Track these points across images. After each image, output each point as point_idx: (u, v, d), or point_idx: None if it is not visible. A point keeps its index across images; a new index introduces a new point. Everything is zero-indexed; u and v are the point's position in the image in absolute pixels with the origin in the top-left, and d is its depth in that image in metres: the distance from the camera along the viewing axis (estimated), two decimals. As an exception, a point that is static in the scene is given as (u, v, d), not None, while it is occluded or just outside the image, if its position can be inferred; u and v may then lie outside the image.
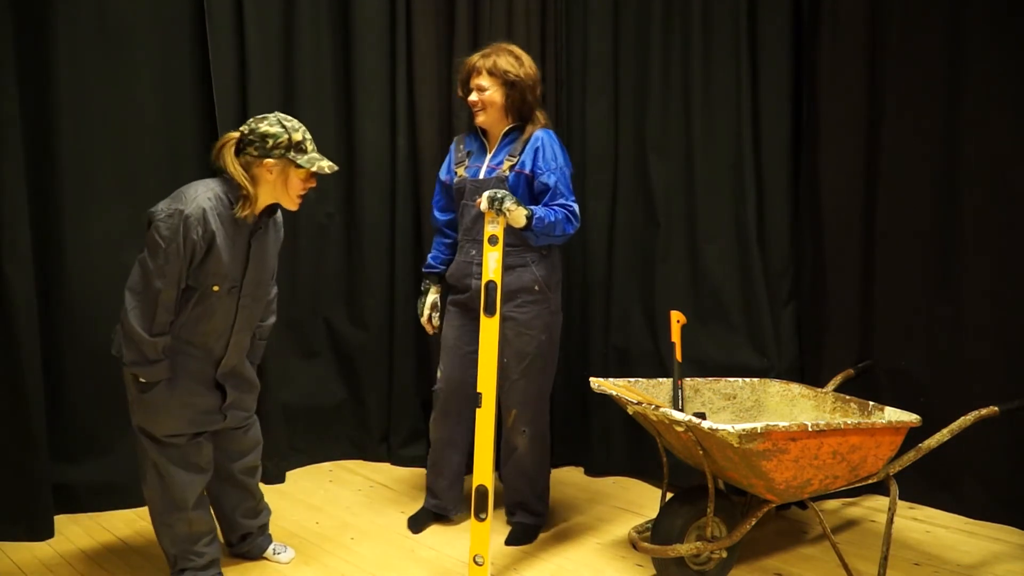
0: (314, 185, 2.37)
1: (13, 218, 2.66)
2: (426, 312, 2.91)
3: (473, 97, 2.70)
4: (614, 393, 2.55)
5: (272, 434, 3.40)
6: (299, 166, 2.27)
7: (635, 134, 3.40)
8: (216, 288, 2.26)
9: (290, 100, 3.38)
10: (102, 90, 2.91)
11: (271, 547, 2.70)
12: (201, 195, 2.20)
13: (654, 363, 3.36)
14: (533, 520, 2.89)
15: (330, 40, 3.45)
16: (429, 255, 2.97)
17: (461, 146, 2.85)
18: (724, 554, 2.43)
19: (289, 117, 2.32)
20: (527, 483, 2.85)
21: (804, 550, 2.74)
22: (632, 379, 2.74)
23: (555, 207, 2.61)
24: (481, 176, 2.73)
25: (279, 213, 2.48)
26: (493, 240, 2.44)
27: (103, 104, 2.91)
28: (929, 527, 2.93)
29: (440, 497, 2.93)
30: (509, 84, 2.66)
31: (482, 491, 2.41)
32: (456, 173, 2.80)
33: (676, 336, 2.82)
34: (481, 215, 2.59)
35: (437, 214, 2.94)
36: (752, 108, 3.19)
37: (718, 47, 3.23)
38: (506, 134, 2.74)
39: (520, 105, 2.70)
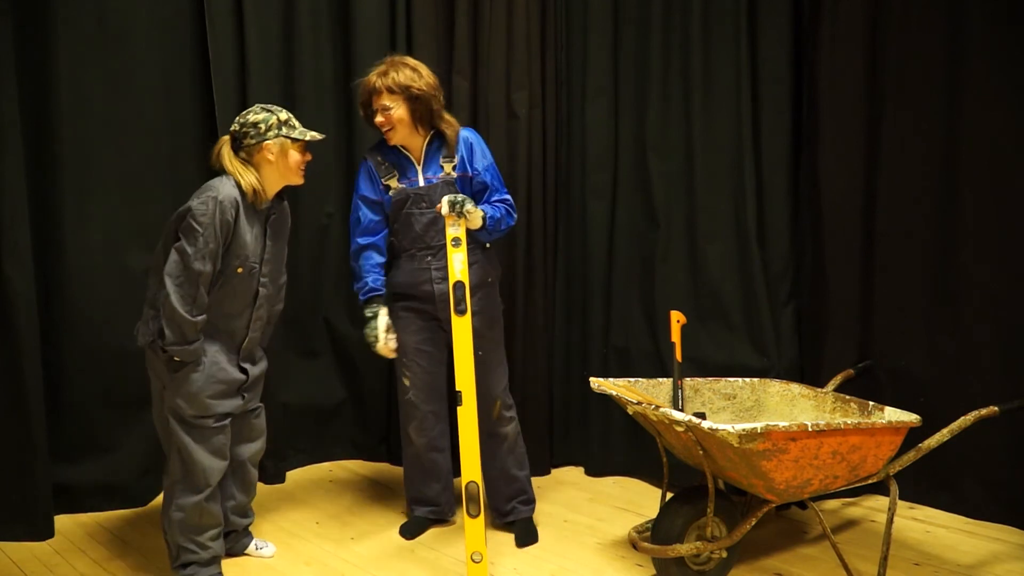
0: (310, 159, 2.52)
1: (13, 218, 2.66)
2: (383, 336, 2.72)
3: (379, 118, 2.63)
4: (614, 393, 2.55)
5: (272, 434, 3.37)
6: (294, 139, 2.44)
7: (635, 134, 3.40)
8: (240, 270, 2.41)
9: (290, 100, 3.37)
10: (102, 90, 2.91)
11: (252, 543, 2.75)
12: (227, 184, 2.37)
13: (654, 363, 3.36)
14: (529, 509, 2.92)
15: (330, 40, 3.45)
16: (367, 279, 2.75)
17: (379, 158, 2.73)
18: (724, 554, 2.43)
19: (269, 104, 2.49)
20: (521, 468, 2.89)
21: (804, 550, 2.74)
22: (632, 379, 2.74)
23: (496, 204, 2.69)
24: (421, 183, 2.69)
25: (286, 202, 2.60)
26: (456, 242, 2.51)
27: (103, 104, 2.91)
28: (929, 527, 2.93)
29: (436, 503, 2.93)
30: (413, 99, 2.60)
31: (473, 488, 2.43)
32: (390, 186, 2.71)
33: (676, 336, 2.82)
34: (432, 222, 2.67)
35: (362, 238, 2.76)
36: (752, 108, 3.20)
37: (718, 47, 3.23)
38: (430, 142, 2.72)
39: (428, 116, 2.66)
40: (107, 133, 2.93)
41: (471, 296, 2.67)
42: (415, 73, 2.63)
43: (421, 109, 2.63)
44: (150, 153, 3.02)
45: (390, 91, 2.60)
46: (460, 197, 2.51)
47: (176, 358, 2.33)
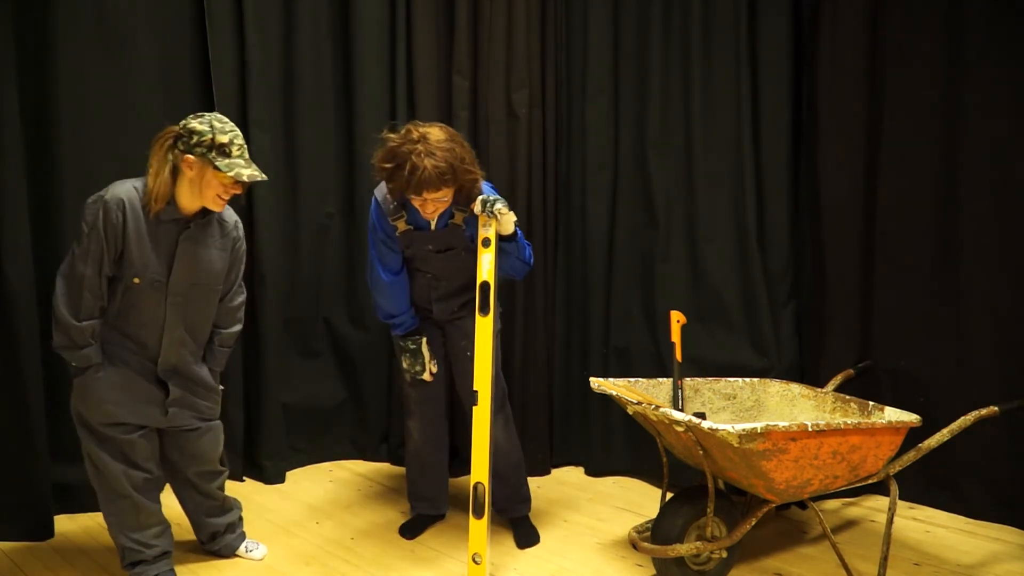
0: (240, 192, 2.33)
1: (13, 218, 2.66)
2: (429, 366, 2.74)
3: (430, 209, 2.50)
4: (614, 393, 2.55)
5: (272, 434, 3.41)
6: (217, 168, 2.24)
7: (635, 134, 3.40)
8: (137, 280, 2.29)
9: (290, 100, 3.38)
10: (102, 90, 2.91)
11: (243, 544, 2.73)
12: (126, 185, 2.27)
13: (654, 363, 3.36)
14: (524, 507, 2.91)
15: (330, 40, 3.45)
16: (403, 316, 2.73)
17: (388, 196, 2.61)
18: (724, 554, 2.43)
19: (225, 119, 2.29)
20: (514, 471, 2.88)
21: (804, 550, 2.74)
22: (632, 379, 2.74)
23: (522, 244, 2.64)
24: (433, 227, 2.62)
25: (235, 224, 2.47)
26: (486, 243, 2.49)
27: (103, 104, 2.91)
28: (929, 527, 2.93)
29: (431, 498, 2.94)
30: (461, 183, 2.49)
31: (480, 490, 2.42)
32: (397, 227, 2.62)
33: (676, 336, 2.82)
34: (433, 259, 2.63)
35: (388, 274, 2.69)
36: (752, 108, 3.20)
37: (718, 47, 3.24)
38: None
39: (470, 183, 2.53)
40: (107, 133, 2.93)
41: (468, 298, 2.69)
42: (450, 144, 2.44)
43: (467, 184, 2.52)
44: (149, 154, 3.02)
45: (448, 184, 2.45)
46: (492, 197, 2.49)
47: (72, 363, 2.28)
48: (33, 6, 2.76)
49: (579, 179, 3.49)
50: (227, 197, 2.32)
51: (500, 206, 2.47)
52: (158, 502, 2.47)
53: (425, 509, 2.95)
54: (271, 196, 3.35)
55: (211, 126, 2.25)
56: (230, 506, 2.71)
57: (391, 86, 3.46)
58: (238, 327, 2.59)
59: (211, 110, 3.12)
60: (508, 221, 2.52)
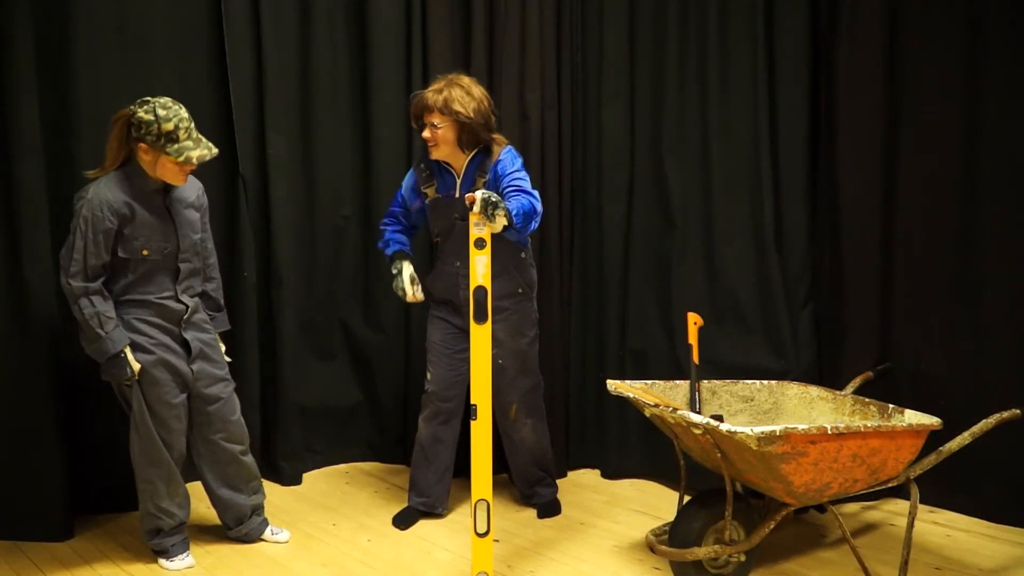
0: (194, 168, 2.49)
1: (33, 223, 2.69)
2: (409, 288, 2.77)
3: (426, 134, 2.70)
4: (631, 395, 2.54)
5: (289, 436, 3.42)
6: (167, 154, 2.41)
7: (651, 136, 3.39)
8: (146, 252, 2.47)
9: (306, 103, 3.40)
10: (121, 94, 2.91)
11: (268, 529, 2.82)
12: (99, 183, 2.43)
13: (671, 365, 3.35)
14: (551, 492, 3.05)
15: (346, 43, 3.46)
16: (388, 239, 2.90)
17: (422, 165, 2.86)
18: (742, 558, 2.41)
19: (169, 104, 2.42)
20: (541, 465, 2.99)
21: (823, 554, 2.72)
22: (649, 381, 2.73)
23: (514, 199, 2.53)
24: (458, 196, 2.75)
25: (195, 187, 2.65)
26: (480, 244, 2.32)
27: (122, 108, 2.93)
28: (950, 531, 2.90)
29: (427, 493, 2.99)
30: (460, 124, 2.66)
31: (483, 506, 2.35)
32: (427, 194, 2.83)
33: (693, 338, 2.80)
34: (464, 231, 2.53)
35: (389, 215, 2.96)
36: (769, 109, 3.18)
37: (735, 48, 3.22)
38: (471, 160, 2.76)
39: (474, 140, 2.71)
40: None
41: (496, 305, 2.67)
42: (468, 97, 2.65)
43: (467, 134, 2.68)
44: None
45: (440, 112, 2.65)
46: (495, 197, 2.33)
47: (105, 359, 2.41)
48: (53, 12, 2.79)
49: (595, 181, 3.48)
50: (184, 175, 2.49)
51: (501, 211, 2.32)
52: (180, 478, 2.62)
53: (418, 504, 3.00)
54: (288, 199, 3.37)
55: (155, 115, 2.38)
56: (256, 488, 2.80)
57: (407, 90, 3.46)
58: (219, 281, 2.80)
59: (228, 115, 3.15)
60: (499, 223, 2.35)
